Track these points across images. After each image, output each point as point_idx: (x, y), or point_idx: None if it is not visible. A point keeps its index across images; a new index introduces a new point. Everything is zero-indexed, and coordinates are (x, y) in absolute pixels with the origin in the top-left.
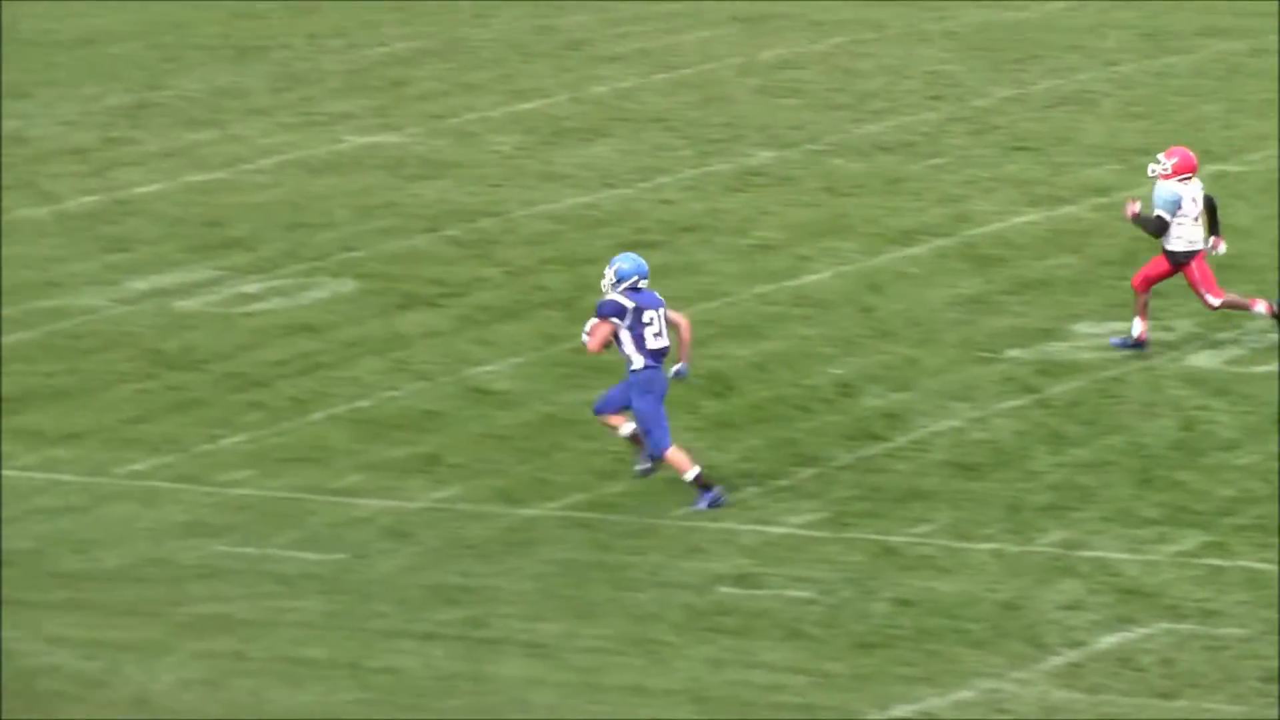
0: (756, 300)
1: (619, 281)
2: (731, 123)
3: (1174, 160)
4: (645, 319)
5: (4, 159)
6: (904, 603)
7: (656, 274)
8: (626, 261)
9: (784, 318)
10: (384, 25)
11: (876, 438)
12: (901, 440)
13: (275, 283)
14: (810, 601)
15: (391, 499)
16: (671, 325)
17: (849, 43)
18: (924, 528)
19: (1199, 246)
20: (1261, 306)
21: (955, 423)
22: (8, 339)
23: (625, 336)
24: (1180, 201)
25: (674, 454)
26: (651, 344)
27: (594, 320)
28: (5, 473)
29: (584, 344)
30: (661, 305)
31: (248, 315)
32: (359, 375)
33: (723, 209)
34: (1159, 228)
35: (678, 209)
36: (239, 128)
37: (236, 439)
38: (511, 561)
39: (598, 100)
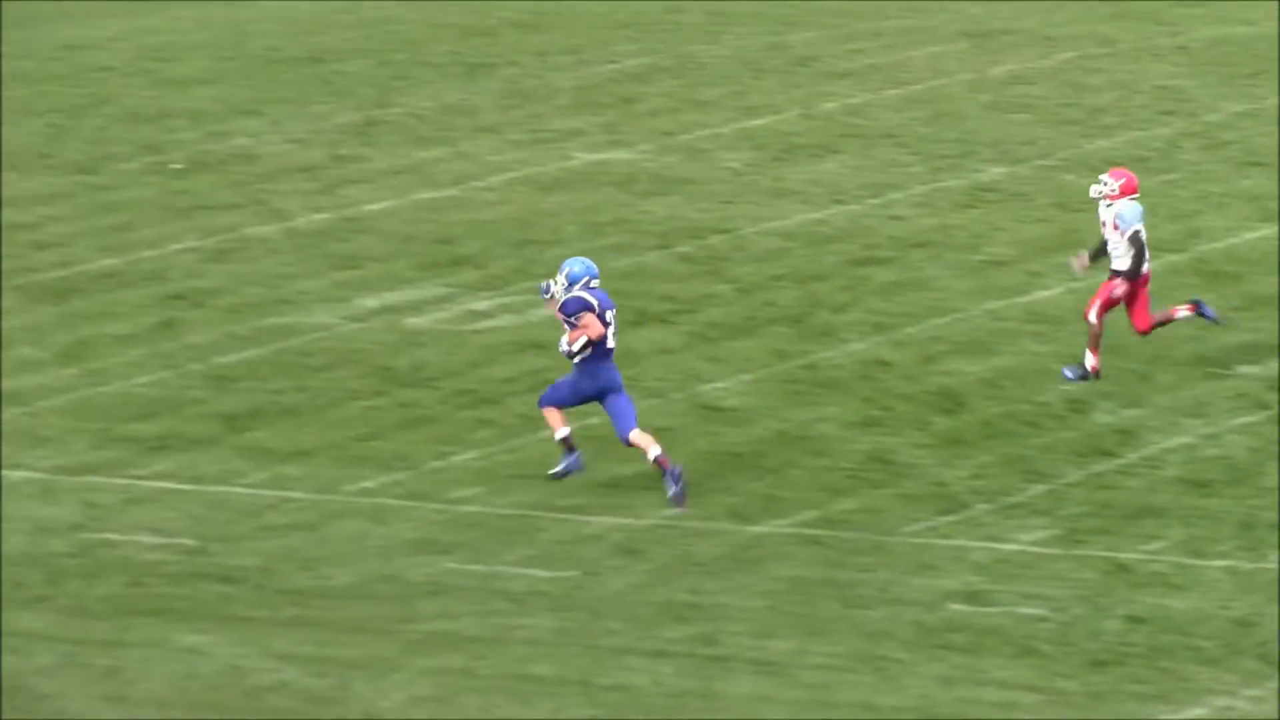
0: (987, 316)
1: (571, 284)
2: (962, 138)
3: (1121, 181)
4: (607, 319)
5: (233, 177)
6: (1136, 620)
7: (888, 290)
8: (578, 265)
9: (1015, 334)
10: (614, 42)
11: (1108, 454)
12: (1133, 457)
13: (505, 300)
14: (1042, 619)
15: (621, 516)
16: None
17: (1079, 58)
18: (1156, 544)
19: (1148, 266)
20: (1092, 361)
21: (1187, 439)
22: (238, 356)
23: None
24: (1142, 216)
25: (549, 413)
26: (608, 342)
27: (570, 321)
28: (234, 489)
29: (567, 351)
30: (613, 307)
31: (478, 332)
32: None
33: (953, 225)
34: (1140, 246)
35: (908, 225)
36: (468, 145)
37: (466, 456)
38: (741, 578)
39: (828, 116)
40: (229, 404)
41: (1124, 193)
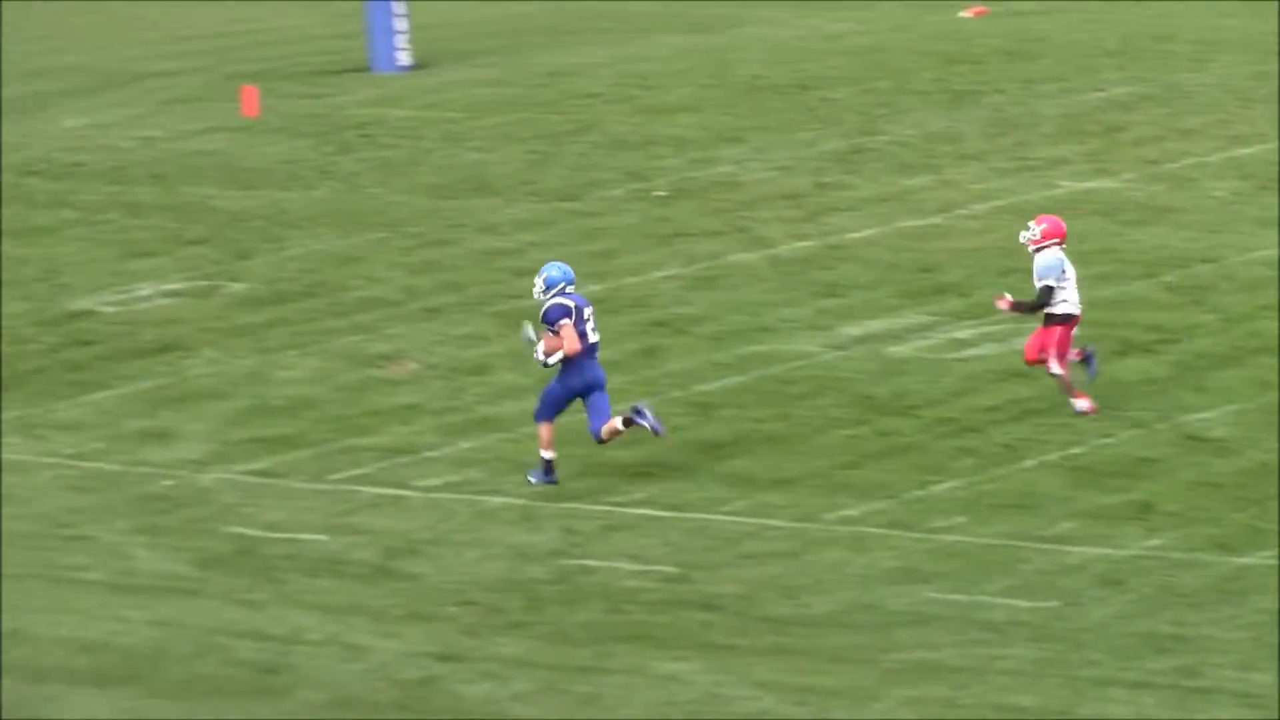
0: None
1: (548, 289)
2: None
3: (1043, 226)
4: (585, 316)
5: (716, 204)
6: None
7: None
8: (555, 269)
9: None
10: (1101, 70)
11: None
12: None
13: (988, 328)
14: None
15: (1104, 546)
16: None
17: None
18: None
19: (1076, 310)
20: (1083, 404)
21: None
22: (719, 384)
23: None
24: (1063, 265)
25: (543, 429)
26: (589, 338)
27: (550, 328)
28: (715, 517)
29: (543, 361)
30: (590, 306)
31: (960, 361)
32: (1072, 422)
33: None
34: (1048, 297)
35: None
36: (952, 173)
37: (948, 485)
38: (1225, 610)
39: None
40: (710, 432)
41: (1045, 238)
